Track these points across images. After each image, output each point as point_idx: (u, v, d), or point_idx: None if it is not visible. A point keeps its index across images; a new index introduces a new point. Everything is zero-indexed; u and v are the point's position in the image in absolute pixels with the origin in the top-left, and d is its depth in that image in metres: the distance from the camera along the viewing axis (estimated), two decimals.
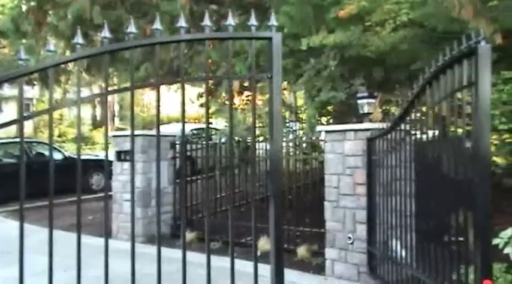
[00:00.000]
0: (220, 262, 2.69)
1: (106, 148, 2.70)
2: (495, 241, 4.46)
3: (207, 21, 2.84)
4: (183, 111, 2.82)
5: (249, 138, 9.61)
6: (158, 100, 2.69)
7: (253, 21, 2.94)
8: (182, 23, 2.85)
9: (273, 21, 2.96)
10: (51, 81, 2.72)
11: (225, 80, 9.30)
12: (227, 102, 11.75)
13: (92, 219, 9.44)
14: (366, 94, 6.46)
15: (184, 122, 2.82)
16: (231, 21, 2.92)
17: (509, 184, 6.63)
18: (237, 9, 9.39)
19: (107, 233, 2.17)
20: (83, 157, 13.25)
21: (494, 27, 5.66)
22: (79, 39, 2.74)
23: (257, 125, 13.14)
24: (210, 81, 9.74)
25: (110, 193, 8.51)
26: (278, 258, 2.83)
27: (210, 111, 10.22)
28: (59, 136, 24.52)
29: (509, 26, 5.74)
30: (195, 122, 21.95)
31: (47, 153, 12.79)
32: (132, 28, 2.80)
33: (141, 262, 3.64)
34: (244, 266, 4.25)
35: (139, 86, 3.31)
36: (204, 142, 9.67)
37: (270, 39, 2.92)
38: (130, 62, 2.85)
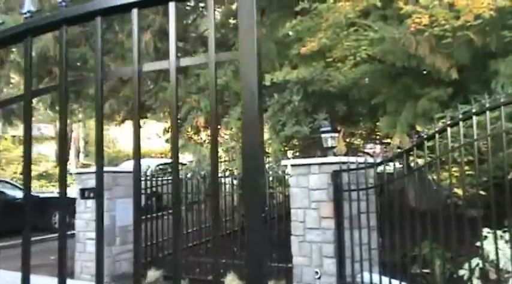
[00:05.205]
0: None
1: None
2: (460, 272, 4.53)
3: None
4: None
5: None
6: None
7: None
8: None
9: None
10: None
11: (190, 115, 9.30)
12: (193, 137, 11.70)
13: (54, 259, 9.14)
14: (329, 128, 6.56)
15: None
16: None
17: (471, 214, 6.75)
18: (202, 46, 9.49)
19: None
20: (45, 195, 12.90)
21: (450, 63, 5.88)
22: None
23: (223, 159, 13.10)
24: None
25: (72, 232, 8.28)
26: None
27: None
28: (22, 173, 23.89)
29: (464, 61, 5.96)
30: (161, 157, 21.74)
31: (7, 191, 12.44)
32: None
33: None
34: None
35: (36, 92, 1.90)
36: (170, 178, 9.62)
37: None
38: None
